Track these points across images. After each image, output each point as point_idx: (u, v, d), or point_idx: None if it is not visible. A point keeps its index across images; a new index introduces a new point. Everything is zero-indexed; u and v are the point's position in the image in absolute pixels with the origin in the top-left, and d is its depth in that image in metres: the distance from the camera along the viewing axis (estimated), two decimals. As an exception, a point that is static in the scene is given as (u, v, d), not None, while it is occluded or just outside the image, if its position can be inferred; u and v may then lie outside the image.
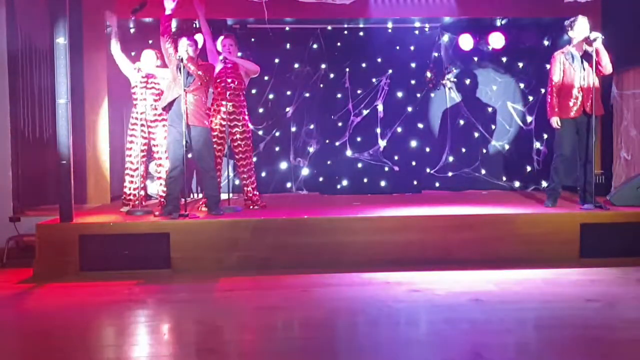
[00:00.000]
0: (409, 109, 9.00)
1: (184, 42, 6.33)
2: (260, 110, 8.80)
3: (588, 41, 6.43)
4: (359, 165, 8.96)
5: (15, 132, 7.16)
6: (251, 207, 7.09)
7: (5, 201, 6.99)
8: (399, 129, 8.96)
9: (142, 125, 6.91)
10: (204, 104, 6.49)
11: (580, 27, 6.53)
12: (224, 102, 6.89)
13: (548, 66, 6.81)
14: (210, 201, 6.58)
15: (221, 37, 7.22)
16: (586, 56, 6.55)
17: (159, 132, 6.87)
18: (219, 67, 6.90)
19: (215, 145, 6.79)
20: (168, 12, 6.41)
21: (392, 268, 5.91)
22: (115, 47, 6.92)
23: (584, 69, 6.55)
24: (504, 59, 9.07)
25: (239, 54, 7.43)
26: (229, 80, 6.89)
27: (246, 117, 7.07)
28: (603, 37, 6.40)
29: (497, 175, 9.10)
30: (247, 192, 7.14)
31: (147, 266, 5.97)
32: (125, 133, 7.41)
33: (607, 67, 6.50)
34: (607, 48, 6.47)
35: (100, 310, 4.88)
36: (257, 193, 7.22)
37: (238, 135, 6.99)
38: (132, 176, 6.95)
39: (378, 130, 8.96)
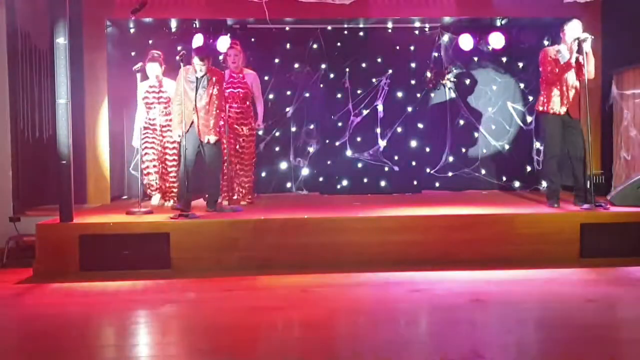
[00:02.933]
0: (409, 109, 8.99)
1: (196, 61, 6.45)
2: (260, 110, 8.80)
3: (577, 42, 6.44)
4: (359, 165, 8.95)
5: (15, 132, 7.16)
6: (236, 197, 7.37)
7: (5, 201, 6.99)
8: (399, 129, 8.95)
9: (154, 130, 7.24)
10: (216, 116, 6.59)
11: (572, 29, 6.55)
12: (229, 103, 7.16)
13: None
14: (211, 198, 6.75)
15: (226, 44, 7.39)
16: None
17: (170, 135, 7.15)
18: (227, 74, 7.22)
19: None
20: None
21: (392, 268, 5.91)
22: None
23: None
24: (504, 59, 9.05)
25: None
26: (235, 88, 7.20)
27: (252, 121, 7.37)
28: (593, 37, 6.42)
29: (497, 175, 9.09)
30: (239, 183, 7.36)
31: (147, 266, 5.97)
32: (127, 134, 7.46)
33: (592, 72, 6.56)
34: (607, 48, 6.48)
35: (100, 310, 4.88)
36: (246, 192, 7.42)
37: (244, 138, 7.31)
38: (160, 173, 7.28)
39: (378, 130, 8.95)
